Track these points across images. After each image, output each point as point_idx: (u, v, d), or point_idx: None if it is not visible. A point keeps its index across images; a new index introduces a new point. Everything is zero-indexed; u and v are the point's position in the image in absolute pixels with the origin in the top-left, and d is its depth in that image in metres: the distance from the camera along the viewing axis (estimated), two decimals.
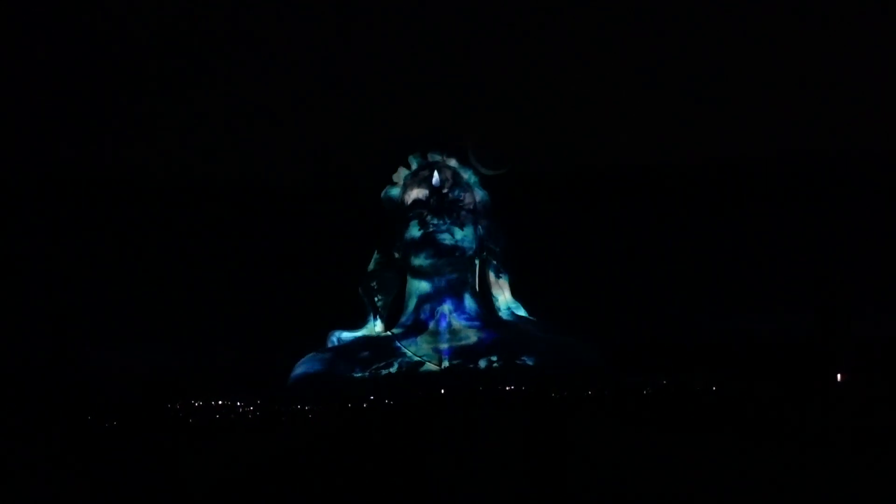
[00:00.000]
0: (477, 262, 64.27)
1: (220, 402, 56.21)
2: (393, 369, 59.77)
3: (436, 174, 63.24)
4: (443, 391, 56.44)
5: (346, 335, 62.88)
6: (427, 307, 62.58)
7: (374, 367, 60.06)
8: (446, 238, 61.84)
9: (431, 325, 62.23)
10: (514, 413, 47.90)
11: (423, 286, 62.80)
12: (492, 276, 64.66)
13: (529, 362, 59.42)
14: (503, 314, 63.88)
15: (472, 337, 61.55)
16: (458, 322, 62.15)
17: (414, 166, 64.82)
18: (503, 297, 64.43)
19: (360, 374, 60.04)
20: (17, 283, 75.64)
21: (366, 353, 60.97)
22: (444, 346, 61.11)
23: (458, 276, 62.71)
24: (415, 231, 62.16)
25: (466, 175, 64.84)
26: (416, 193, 63.09)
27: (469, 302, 62.72)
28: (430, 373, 59.57)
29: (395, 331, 62.78)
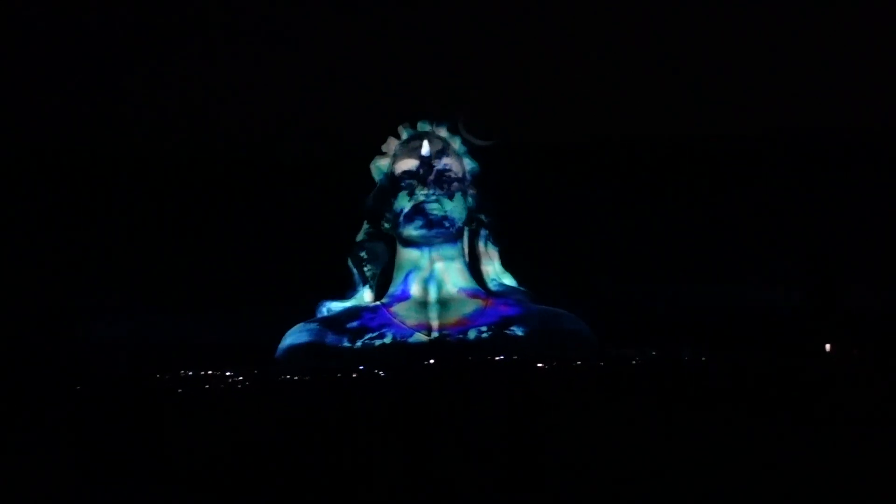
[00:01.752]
0: (467, 232, 63.97)
1: (209, 373, 55.95)
2: (387, 340, 59.63)
3: (425, 144, 62.57)
4: (432, 361, 56.36)
5: (336, 305, 62.59)
6: (417, 277, 62.27)
7: (366, 337, 59.91)
8: (436, 209, 61.31)
9: (421, 295, 61.94)
10: (502, 383, 47.99)
11: (412, 256, 62.41)
12: (481, 246, 64.25)
13: (519, 332, 59.35)
14: (493, 284, 63.64)
15: (462, 307, 61.28)
16: (447, 292, 61.90)
17: (404, 136, 64.28)
18: (493, 268, 64.09)
19: (348, 345, 59.89)
20: (5, 250, 75.19)
21: (356, 324, 60.81)
22: (434, 315, 60.87)
23: (448, 247, 62.32)
24: (404, 202, 61.65)
25: (456, 144, 64.41)
26: (406, 164, 62.48)
27: (459, 275, 62.48)
28: (420, 343, 59.42)
29: (384, 301, 62.56)
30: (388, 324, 60.66)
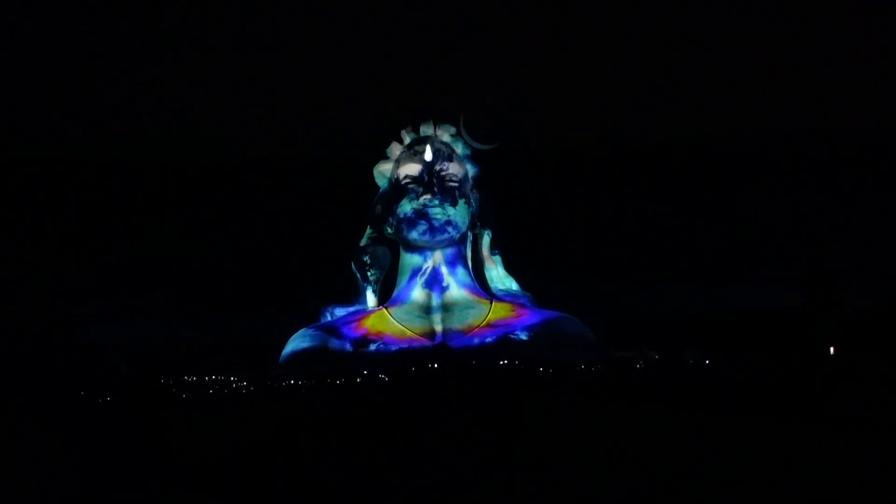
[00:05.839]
0: (470, 236, 64.21)
1: (213, 377, 56.14)
2: (390, 346, 59.71)
3: (428, 149, 62.91)
4: (435, 366, 56.49)
5: (340, 310, 62.87)
6: (420, 282, 62.53)
7: (369, 342, 59.98)
8: (439, 213, 61.63)
9: (424, 299, 62.15)
10: (504, 388, 48.14)
11: (416, 261, 62.74)
12: (484, 251, 64.65)
13: (523, 337, 59.52)
14: (496, 289, 63.88)
15: (465, 311, 61.54)
16: (451, 297, 62.11)
17: (407, 141, 64.55)
18: (496, 272, 64.44)
19: (351, 350, 59.97)
20: (6, 255, 75.33)
21: (359, 329, 60.92)
22: (438, 320, 61.08)
23: (450, 252, 62.66)
24: (407, 207, 61.96)
25: (459, 149, 64.61)
26: (409, 169, 62.83)
27: (462, 277, 62.72)
28: (423, 348, 59.58)
29: (388, 305, 62.73)
30: (391, 331, 60.83)
